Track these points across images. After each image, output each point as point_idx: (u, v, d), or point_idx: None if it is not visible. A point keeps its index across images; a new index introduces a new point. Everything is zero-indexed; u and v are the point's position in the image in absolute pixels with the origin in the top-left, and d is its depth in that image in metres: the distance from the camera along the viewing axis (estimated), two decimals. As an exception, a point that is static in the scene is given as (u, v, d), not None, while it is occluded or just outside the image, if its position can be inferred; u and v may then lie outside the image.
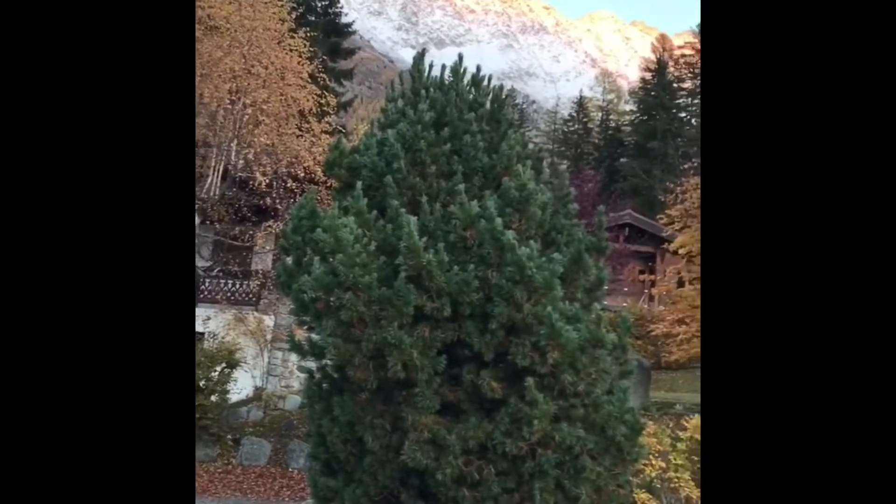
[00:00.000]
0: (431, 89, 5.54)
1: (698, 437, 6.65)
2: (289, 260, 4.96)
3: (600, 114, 65.89)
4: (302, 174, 16.18)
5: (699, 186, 15.64)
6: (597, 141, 60.43)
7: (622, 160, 50.61)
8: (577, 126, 63.51)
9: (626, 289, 29.27)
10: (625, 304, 25.53)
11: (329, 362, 4.92)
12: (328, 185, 11.32)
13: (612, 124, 61.72)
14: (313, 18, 26.90)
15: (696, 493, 6.26)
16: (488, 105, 5.69)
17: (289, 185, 16.53)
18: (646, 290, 29.47)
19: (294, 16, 17.86)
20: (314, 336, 4.99)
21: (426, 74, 5.78)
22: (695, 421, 6.94)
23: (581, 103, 65.31)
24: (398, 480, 4.72)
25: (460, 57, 5.78)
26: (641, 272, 30.13)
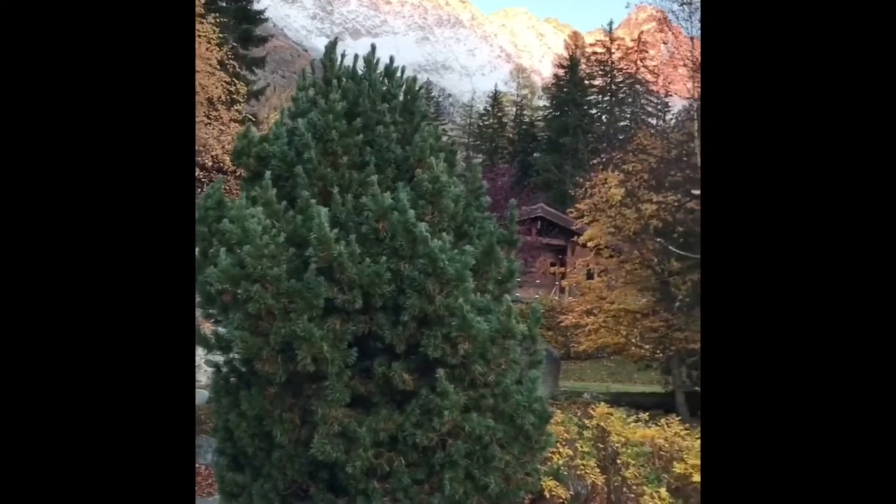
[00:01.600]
0: (344, 79, 5.46)
1: (604, 424, 6.85)
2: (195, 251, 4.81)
3: (515, 109, 66.80)
4: (209, 163, 15.76)
5: (606, 181, 16.11)
6: (511, 135, 61.27)
7: (535, 155, 51.50)
8: (492, 120, 64.23)
9: (538, 281, 29.85)
10: (536, 296, 26.00)
11: (236, 356, 4.82)
12: (236, 174, 11.05)
13: (526, 119, 62.72)
14: (224, 4, 26.13)
15: (600, 479, 6.45)
16: (402, 97, 5.67)
17: (195, 174, 16.06)
18: (557, 282, 30.14)
19: (203, 1, 17.33)
20: (221, 329, 4.87)
21: (338, 64, 5.71)
22: (600, 409, 7.13)
23: (496, 98, 66.08)
24: (307, 474, 4.67)
25: (373, 47, 5.73)
26: (553, 264, 30.81)
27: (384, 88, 5.60)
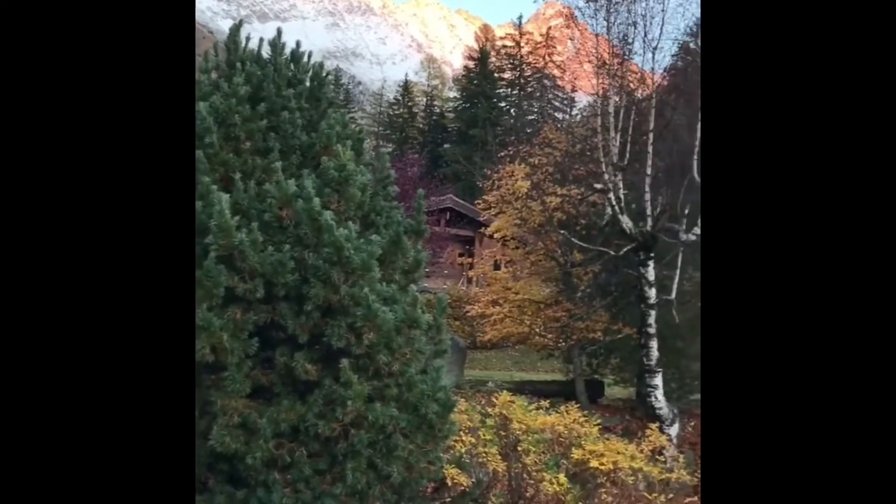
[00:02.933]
0: (248, 63, 5.33)
1: (506, 412, 6.98)
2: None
3: (425, 99, 66.81)
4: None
5: (513, 174, 16.34)
6: (421, 126, 61.26)
7: (445, 146, 51.68)
8: (402, 110, 64.02)
9: (446, 271, 30.06)
10: (444, 287, 26.19)
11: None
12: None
13: (437, 110, 62.86)
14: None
15: (502, 467, 6.57)
16: (308, 82, 5.58)
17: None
18: (464, 273, 30.42)
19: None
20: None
21: (243, 47, 5.56)
22: (503, 397, 7.26)
23: (406, 87, 65.88)
24: (206, 466, 4.55)
25: (279, 31, 5.61)
26: (461, 255, 31.09)
27: (290, 73, 5.50)
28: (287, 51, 5.60)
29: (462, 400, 7.72)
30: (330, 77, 5.95)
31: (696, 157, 11.94)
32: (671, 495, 7.42)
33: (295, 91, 5.26)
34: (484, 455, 6.56)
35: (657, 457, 7.72)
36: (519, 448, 6.75)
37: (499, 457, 6.63)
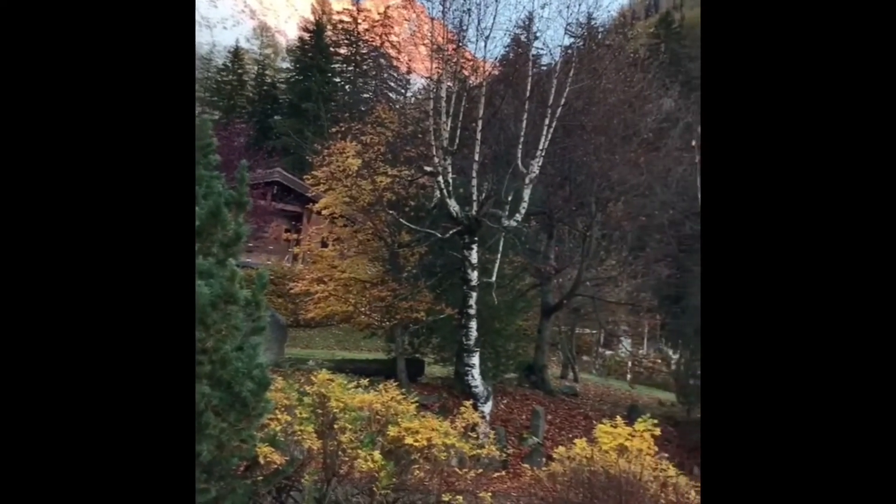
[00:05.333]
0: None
1: (324, 390, 6.95)
2: None
3: (256, 68, 64.44)
4: None
5: (344, 151, 16.21)
6: (251, 95, 59.05)
7: (275, 118, 50.24)
8: (231, 77, 61.31)
9: (270, 247, 29.32)
10: (268, 262, 25.56)
11: None
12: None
13: (268, 80, 60.81)
14: None
15: (317, 444, 6.54)
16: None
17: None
18: (290, 249, 29.84)
19: None
20: None
21: None
22: (322, 375, 7.22)
23: (237, 54, 63.14)
24: None
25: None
26: (287, 231, 30.43)
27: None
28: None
29: (280, 378, 7.59)
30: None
31: (520, 146, 12.43)
32: (481, 470, 7.75)
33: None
34: (300, 433, 6.50)
35: (470, 433, 8.01)
36: (335, 426, 6.74)
37: (315, 435, 6.59)
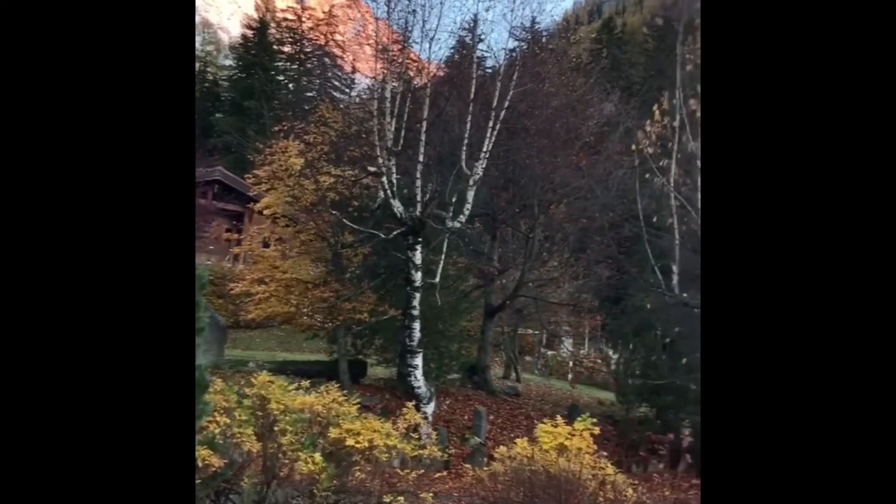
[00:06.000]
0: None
1: (265, 392, 6.85)
2: None
3: (198, 64, 63.20)
4: None
5: (287, 150, 16.03)
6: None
7: (217, 115, 49.33)
8: (171, 72, 59.99)
9: (211, 247, 28.77)
10: (208, 262, 25.08)
11: None
12: None
13: (210, 77, 59.70)
14: None
15: (257, 447, 6.45)
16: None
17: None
18: (231, 249, 29.34)
19: None
20: None
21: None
22: (262, 377, 7.12)
23: (177, 49, 61.77)
24: None
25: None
26: (228, 230, 29.90)
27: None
28: None
29: (220, 380, 7.46)
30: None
31: (464, 148, 12.49)
32: (422, 470, 7.76)
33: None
34: (239, 435, 6.40)
35: (412, 434, 8.01)
36: (276, 428, 6.66)
37: (254, 437, 6.50)
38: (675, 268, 9.31)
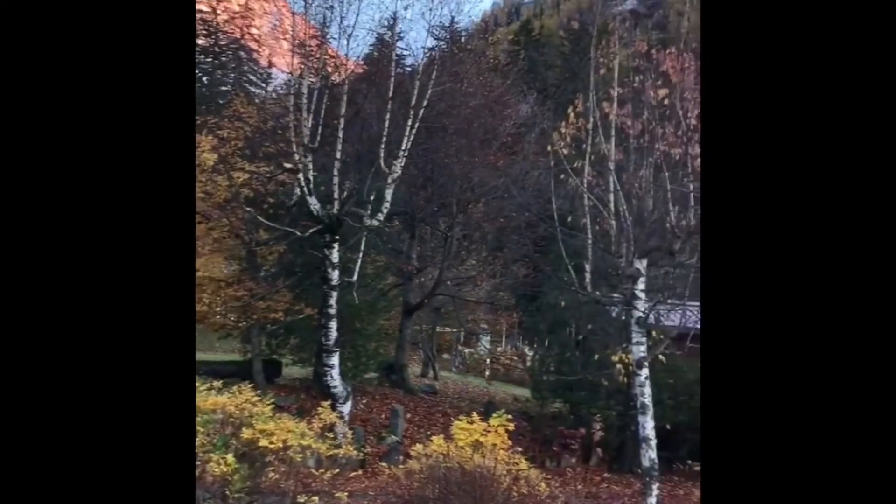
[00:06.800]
0: None
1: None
2: None
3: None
4: None
5: (200, 145, 15.57)
6: (99, 82, 55.69)
7: (126, 107, 47.64)
8: (76, 61, 57.62)
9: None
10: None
11: None
12: None
13: (118, 67, 57.58)
14: None
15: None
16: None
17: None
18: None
19: None
20: None
21: None
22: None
23: (83, 37, 59.36)
24: None
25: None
26: (137, 227, 28.89)
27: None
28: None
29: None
30: None
31: (383, 146, 12.44)
32: (338, 470, 7.70)
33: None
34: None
35: (327, 434, 7.93)
36: (186, 430, 6.48)
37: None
38: (588, 266, 9.52)
